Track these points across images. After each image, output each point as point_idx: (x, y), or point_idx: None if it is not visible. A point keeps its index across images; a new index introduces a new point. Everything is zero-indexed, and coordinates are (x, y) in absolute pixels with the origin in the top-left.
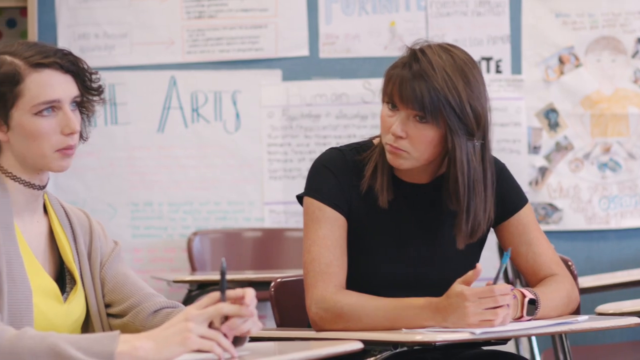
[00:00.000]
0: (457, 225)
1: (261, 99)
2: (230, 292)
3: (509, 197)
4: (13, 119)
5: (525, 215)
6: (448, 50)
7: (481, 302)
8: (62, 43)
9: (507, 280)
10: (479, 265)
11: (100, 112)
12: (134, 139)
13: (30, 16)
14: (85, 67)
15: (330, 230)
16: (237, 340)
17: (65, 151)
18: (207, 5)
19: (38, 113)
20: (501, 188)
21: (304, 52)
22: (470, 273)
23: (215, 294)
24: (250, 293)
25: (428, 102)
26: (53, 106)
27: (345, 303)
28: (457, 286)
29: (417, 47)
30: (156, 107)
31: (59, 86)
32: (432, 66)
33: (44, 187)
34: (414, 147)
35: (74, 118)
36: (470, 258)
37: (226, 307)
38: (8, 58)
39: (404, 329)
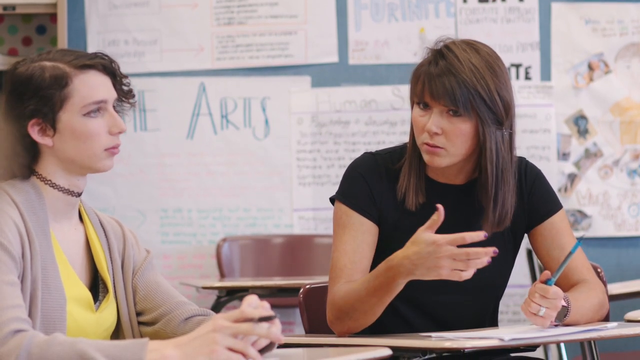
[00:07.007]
0: (485, 214)
1: (290, 105)
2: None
3: (543, 202)
4: (61, 122)
5: (559, 220)
6: (471, 44)
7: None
8: (92, 49)
9: None
10: (440, 206)
11: (130, 118)
12: (164, 145)
13: (60, 23)
14: (120, 70)
15: (353, 236)
16: (267, 346)
17: (113, 150)
18: (237, 12)
19: (87, 114)
20: (537, 193)
21: (334, 58)
22: (434, 217)
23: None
24: (254, 301)
25: (459, 95)
26: (100, 107)
27: (340, 297)
28: (427, 235)
29: (441, 44)
30: (186, 113)
31: (104, 87)
32: (459, 60)
33: (80, 194)
34: (450, 142)
35: (120, 118)
36: (505, 262)
37: (257, 329)
38: (48, 64)
39: (432, 336)
